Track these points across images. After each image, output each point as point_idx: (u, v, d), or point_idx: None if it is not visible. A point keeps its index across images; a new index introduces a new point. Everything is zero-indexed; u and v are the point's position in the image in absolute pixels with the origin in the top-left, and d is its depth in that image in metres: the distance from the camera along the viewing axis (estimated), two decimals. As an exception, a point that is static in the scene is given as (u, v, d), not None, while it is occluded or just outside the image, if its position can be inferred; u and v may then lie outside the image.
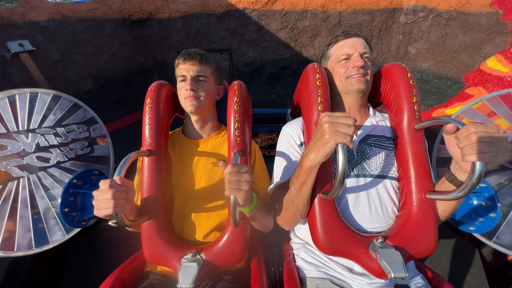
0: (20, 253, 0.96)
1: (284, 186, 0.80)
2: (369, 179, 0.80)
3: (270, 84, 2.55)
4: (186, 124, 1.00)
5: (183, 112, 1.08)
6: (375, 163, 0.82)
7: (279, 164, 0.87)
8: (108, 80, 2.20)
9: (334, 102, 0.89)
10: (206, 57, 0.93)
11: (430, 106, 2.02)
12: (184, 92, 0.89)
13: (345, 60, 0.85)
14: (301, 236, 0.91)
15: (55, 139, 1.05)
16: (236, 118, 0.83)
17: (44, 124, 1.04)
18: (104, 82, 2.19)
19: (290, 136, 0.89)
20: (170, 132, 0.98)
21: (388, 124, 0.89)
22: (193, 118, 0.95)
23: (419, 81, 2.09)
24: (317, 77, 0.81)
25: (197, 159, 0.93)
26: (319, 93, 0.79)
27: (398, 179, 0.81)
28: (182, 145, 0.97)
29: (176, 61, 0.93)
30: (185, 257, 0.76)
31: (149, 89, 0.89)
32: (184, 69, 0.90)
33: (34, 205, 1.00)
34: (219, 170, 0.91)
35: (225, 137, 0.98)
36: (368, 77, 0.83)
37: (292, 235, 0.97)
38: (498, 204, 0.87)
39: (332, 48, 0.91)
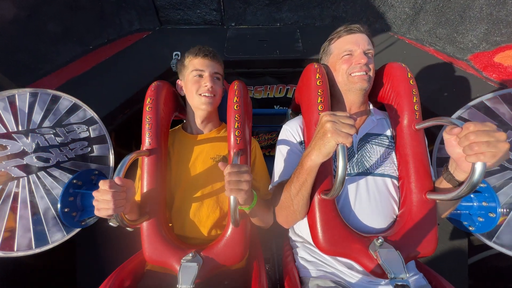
0: (20, 253, 0.96)
1: (284, 185, 0.80)
2: (369, 177, 0.80)
3: (274, 6, 1.86)
4: (188, 120, 1.01)
5: (183, 112, 1.08)
6: (376, 161, 0.82)
7: (279, 162, 0.87)
8: None
9: (334, 99, 0.89)
10: (220, 58, 0.98)
11: (496, 45, 1.38)
12: (203, 88, 0.89)
13: (348, 55, 0.84)
14: (301, 234, 0.91)
15: (55, 139, 1.05)
16: (236, 118, 0.83)
17: (44, 124, 1.04)
18: (33, 4, 1.35)
19: (290, 134, 0.89)
20: (170, 130, 0.98)
21: (389, 122, 0.89)
22: (202, 116, 0.95)
23: (491, 2, 1.37)
24: (317, 77, 0.81)
25: (197, 154, 0.93)
26: (319, 93, 0.79)
27: (398, 178, 0.81)
28: (182, 140, 0.97)
29: (190, 56, 0.94)
30: (185, 257, 0.76)
31: (149, 89, 0.89)
32: (202, 64, 0.91)
33: (34, 205, 1.00)
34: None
35: (225, 133, 0.99)
36: (371, 73, 0.82)
37: (292, 234, 0.97)
38: (499, 210, 0.87)
39: (334, 44, 0.90)
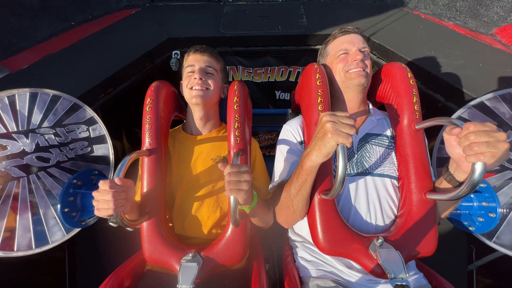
0: (20, 253, 0.95)
1: (284, 185, 0.80)
2: (369, 177, 0.80)
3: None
4: (187, 120, 1.00)
5: (183, 112, 1.08)
6: (375, 161, 0.82)
7: (279, 162, 0.87)
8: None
9: (334, 98, 0.89)
10: (216, 53, 0.96)
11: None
12: (192, 81, 0.89)
13: (344, 54, 0.85)
14: (301, 234, 0.91)
15: (55, 139, 1.05)
16: (236, 118, 0.83)
17: (44, 124, 1.04)
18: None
19: (290, 133, 0.89)
20: (170, 130, 0.98)
21: (389, 122, 0.89)
22: (198, 113, 0.94)
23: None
24: (317, 77, 0.81)
25: (197, 155, 0.93)
26: (319, 93, 0.79)
27: (398, 178, 0.81)
28: (182, 141, 0.97)
29: (186, 55, 0.96)
30: (185, 257, 0.76)
31: (149, 89, 0.89)
32: (194, 60, 0.92)
33: (34, 205, 1.00)
34: None
35: (225, 134, 0.99)
36: (368, 70, 0.83)
37: (291, 234, 0.97)
38: (499, 210, 0.87)
39: (330, 45, 0.91)
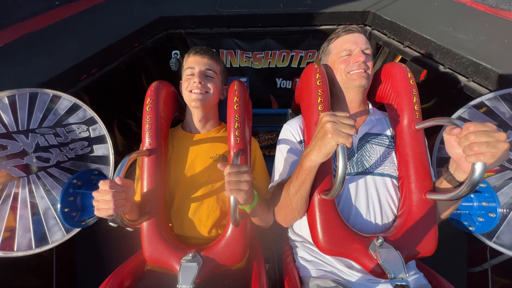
0: (20, 253, 0.95)
1: (284, 184, 0.80)
2: (369, 177, 0.80)
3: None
4: (186, 120, 1.01)
5: (183, 112, 1.08)
6: (375, 160, 0.82)
7: (279, 161, 0.87)
8: None
9: (334, 98, 0.89)
10: (216, 55, 0.96)
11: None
12: (192, 85, 0.89)
13: (346, 56, 0.85)
14: (301, 234, 0.91)
15: (55, 139, 1.05)
16: (236, 118, 0.83)
17: (44, 124, 1.04)
18: None
19: (290, 133, 0.90)
20: (170, 129, 0.99)
21: (388, 122, 0.89)
22: (197, 115, 0.95)
23: None
24: (317, 77, 0.81)
25: (196, 153, 0.93)
26: (319, 93, 0.79)
27: (398, 178, 0.81)
28: (181, 139, 0.97)
29: (186, 56, 0.96)
30: (185, 257, 0.76)
31: (149, 89, 0.89)
32: (194, 62, 0.91)
33: (34, 205, 1.00)
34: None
35: (224, 133, 0.99)
36: (369, 71, 0.83)
37: (291, 234, 0.97)
38: (499, 210, 0.87)
39: (333, 44, 0.91)
